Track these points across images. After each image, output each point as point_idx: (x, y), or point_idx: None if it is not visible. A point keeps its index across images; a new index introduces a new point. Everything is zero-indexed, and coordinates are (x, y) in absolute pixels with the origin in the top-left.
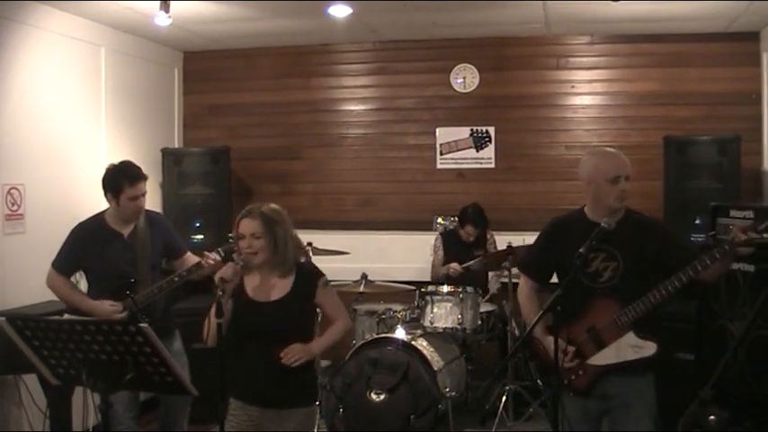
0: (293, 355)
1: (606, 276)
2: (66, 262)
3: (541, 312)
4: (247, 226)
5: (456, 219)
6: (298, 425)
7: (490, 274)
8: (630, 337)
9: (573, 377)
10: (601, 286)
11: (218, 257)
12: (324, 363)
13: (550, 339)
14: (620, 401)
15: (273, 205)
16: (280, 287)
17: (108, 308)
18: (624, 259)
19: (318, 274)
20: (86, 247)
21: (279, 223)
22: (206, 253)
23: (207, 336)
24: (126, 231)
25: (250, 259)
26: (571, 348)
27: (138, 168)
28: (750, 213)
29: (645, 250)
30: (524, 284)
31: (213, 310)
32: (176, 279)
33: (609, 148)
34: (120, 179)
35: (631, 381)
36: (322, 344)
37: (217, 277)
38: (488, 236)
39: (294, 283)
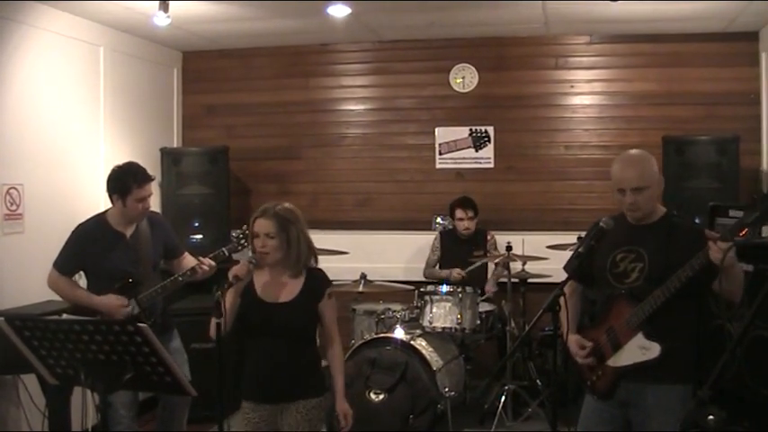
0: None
1: (633, 277)
2: (68, 263)
3: (540, 312)
4: (262, 225)
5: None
6: (306, 414)
7: (489, 272)
8: (639, 338)
9: (594, 378)
10: (626, 287)
11: (212, 263)
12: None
13: (572, 338)
14: (641, 414)
15: (288, 205)
16: (289, 288)
17: (115, 302)
18: (650, 261)
19: (328, 281)
20: (89, 247)
21: (293, 223)
22: (201, 258)
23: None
24: (128, 232)
25: (263, 258)
26: (588, 343)
27: (145, 170)
28: None
29: (672, 254)
30: (568, 286)
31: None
32: (180, 279)
33: (630, 154)
34: (128, 180)
35: (655, 391)
36: (341, 387)
37: (231, 274)
38: (489, 236)
39: (304, 285)
